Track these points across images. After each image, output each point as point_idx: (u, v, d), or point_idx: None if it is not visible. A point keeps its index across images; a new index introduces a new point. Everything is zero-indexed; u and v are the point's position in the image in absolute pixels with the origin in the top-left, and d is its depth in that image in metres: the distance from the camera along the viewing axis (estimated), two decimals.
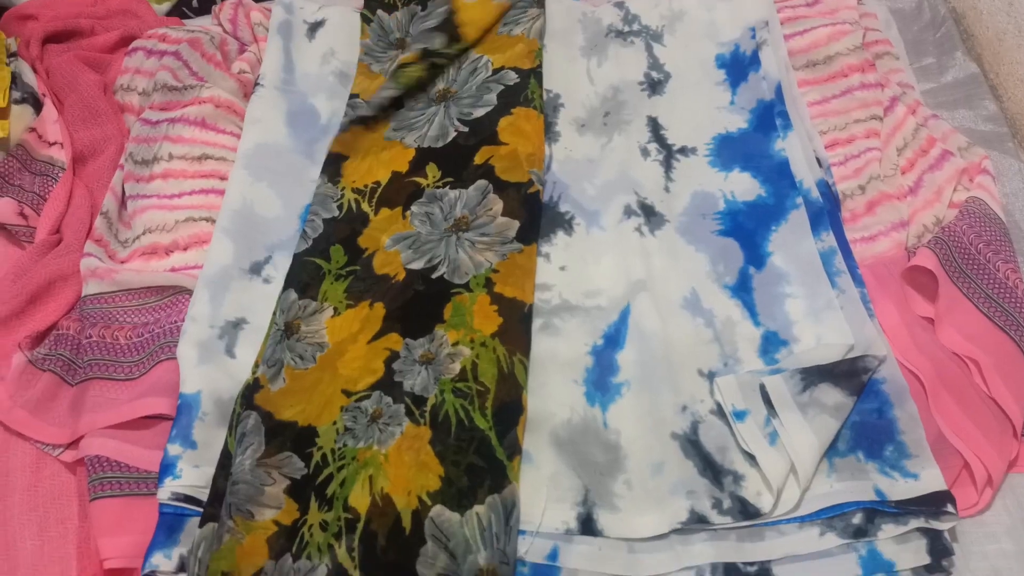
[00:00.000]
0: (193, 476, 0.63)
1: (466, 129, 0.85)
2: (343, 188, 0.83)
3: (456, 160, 0.83)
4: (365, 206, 0.81)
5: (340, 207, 0.81)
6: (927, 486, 0.64)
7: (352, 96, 0.89)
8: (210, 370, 0.68)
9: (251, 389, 0.68)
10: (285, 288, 0.75)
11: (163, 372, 0.69)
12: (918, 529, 0.63)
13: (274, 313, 0.74)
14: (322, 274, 0.76)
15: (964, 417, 0.68)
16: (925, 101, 0.92)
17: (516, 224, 0.77)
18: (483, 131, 0.84)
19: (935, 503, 0.63)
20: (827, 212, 0.80)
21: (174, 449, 0.64)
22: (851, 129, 0.88)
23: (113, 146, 0.85)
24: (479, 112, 0.86)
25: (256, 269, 0.77)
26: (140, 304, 0.74)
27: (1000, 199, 0.81)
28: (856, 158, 0.85)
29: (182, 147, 0.84)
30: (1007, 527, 0.66)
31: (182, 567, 0.60)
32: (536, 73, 0.88)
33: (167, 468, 0.63)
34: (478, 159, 0.82)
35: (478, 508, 0.61)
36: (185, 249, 0.78)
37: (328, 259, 0.77)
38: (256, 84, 0.90)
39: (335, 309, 0.74)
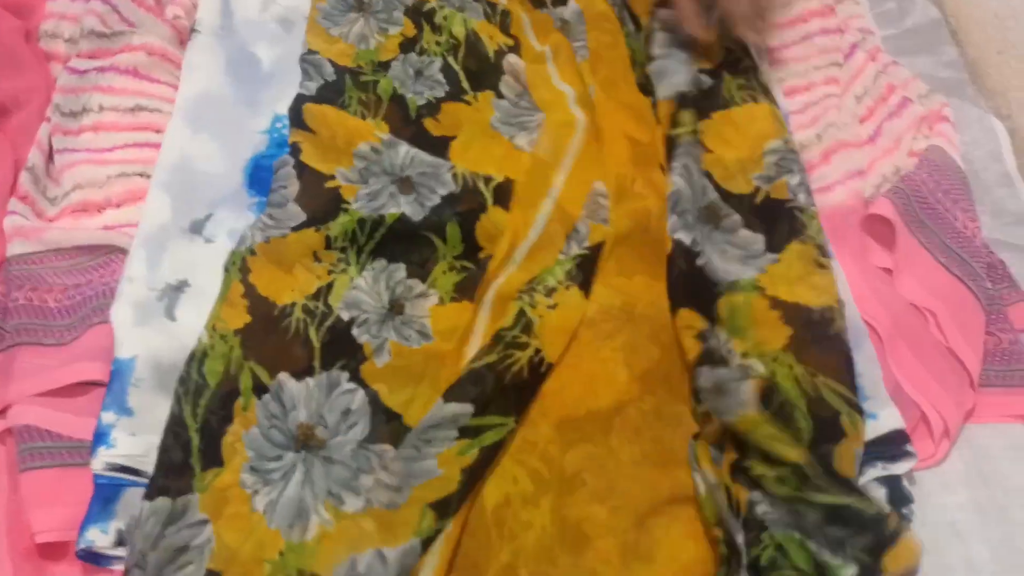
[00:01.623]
0: (129, 445, 0.60)
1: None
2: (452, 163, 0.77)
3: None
4: (483, 188, 0.76)
5: (454, 178, 0.76)
6: (885, 425, 0.63)
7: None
8: (148, 333, 0.65)
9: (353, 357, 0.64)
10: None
11: (97, 336, 0.65)
12: (875, 480, 0.62)
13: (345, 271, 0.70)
14: (436, 255, 0.72)
15: (921, 368, 0.68)
16: (885, 47, 0.90)
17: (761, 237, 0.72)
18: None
19: (894, 443, 0.63)
20: None
21: (108, 417, 0.61)
22: (810, 76, 0.86)
23: (38, 97, 0.79)
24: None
25: (196, 228, 0.73)
26: (71, 265, 0.70)
27: (960, 147, 0.80)
28: (815, 105, 0.84)
29: (113, 98, 0.79)
30: (964, 478, 0.65)
31: (120, 541, 0.57)
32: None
33: (100, 437, 0.60)
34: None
35: None
36: (119, 206, 0.74)
37: (444, 238, 0.72)
38: (192, 31, 0.85)
39: (440, 299, 0.70)
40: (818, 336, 0.66)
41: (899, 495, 0.62)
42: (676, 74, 0.83)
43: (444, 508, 0.58)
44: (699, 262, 0.70)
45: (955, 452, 0.67)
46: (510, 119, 0.83)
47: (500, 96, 0.85)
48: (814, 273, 0.70)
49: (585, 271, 0.70)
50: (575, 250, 0.72)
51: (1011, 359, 0.71)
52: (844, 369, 0.65)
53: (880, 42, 0.91)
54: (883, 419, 0.64)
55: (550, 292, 0.68)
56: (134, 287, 0.67)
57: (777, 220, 0.74)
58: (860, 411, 0.63)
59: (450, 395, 0.61)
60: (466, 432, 0.60)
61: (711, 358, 0.65)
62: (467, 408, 0.61)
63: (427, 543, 0.56)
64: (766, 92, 0.83)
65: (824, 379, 0.64)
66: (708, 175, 0.76)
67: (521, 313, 0.66)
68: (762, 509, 0.58)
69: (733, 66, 0.85)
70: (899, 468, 0.63)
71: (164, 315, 0.67)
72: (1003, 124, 0.85)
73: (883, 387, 0.66)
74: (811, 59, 0.87)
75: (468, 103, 0.84)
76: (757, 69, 0.85)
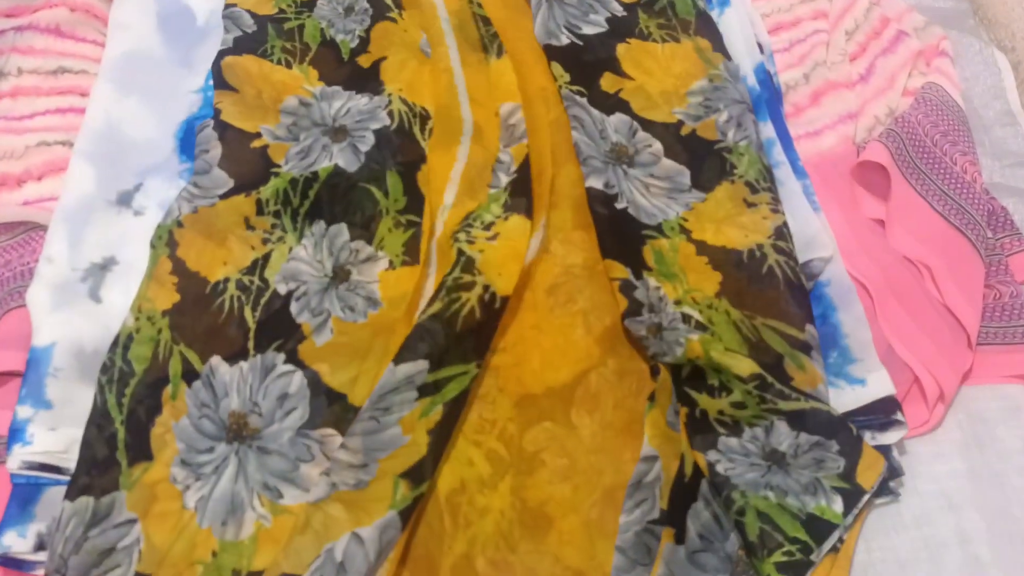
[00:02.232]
0: (48, 441, 0.55)
1: (580, 43, 0.76)
2: (388, 93, 0.73)
3: (582, 71, 0.75)
4: (416, 130, 0.72)
5: (391, 115, 0.72)
6: (874, 391, 0.59)
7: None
8: (69, 317, 0.60)
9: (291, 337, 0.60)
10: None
11: (13, 322, 0.61)
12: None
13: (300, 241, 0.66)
14: (379, 210, 0.67)
15: (914, 327, 0.64)
16: None
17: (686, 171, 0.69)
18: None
19: (883, 411, 0.59)
20: (766, 102, 0.73)
21: (24, 411, 0.56)
22: (796, 11, 0.81)
23: None
24: (588, 29, 0.77)
25: (125, 200, 0.68)
26: None
27: (959, 84, 0.75)
28: (801, 43, 0.79)
29: (33, 59, 0.73)
30: (959, 445, 0.61)
31: (40, 546, 0.53)
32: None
33: (16, 433, 0.55)
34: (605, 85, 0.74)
35: None
36: (40, 179, 0.69)
37: (385, 191, 0.68)
38: None
39: (390, 262, 0.65)
40: (751, 277, 0.63)
41: (888, 468, 0.58)
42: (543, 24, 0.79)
43: (417, 475, 0.54)
44: (619, 205, 0.67)
45: (950, 416, 0.62)
46: None
47: None
48: (743, 212, 0.67)
49: (520, 194, 0.66)
50: (504, 180, 0.68)
51: (1011, 314, 0.66)
52: (783, 302, 0.62)
53: None
54: (872, 384, 0.60)
55: (488, 226, 0.64)
56: (53, 267, 0.62)
57: (704, 159, 0.70)
58: (806, 349, 0.60)
59: (400, 357, 0.57)
60: (425, 390, 0.56)
61: (637, 310, 0.61)
62: (421, 365, 0.56)
63: (406, 514, 0.53)
64: (686, 27, 0.79)
65: (763, 320, 0.61)
66: (625, 105, 0.73)
67: (459, 253, 0.62)
68: (723, 467, 0.55)
69: (649, 6, 0.80)
70: (889, 438, 0.59)
71: (88, 297, 0.62)
72: (1006, 57, 0.80)
73: (873, 350, 0.62)
74: None
75: (394, 20, 0.79)
76: (675, 6, 0.80)
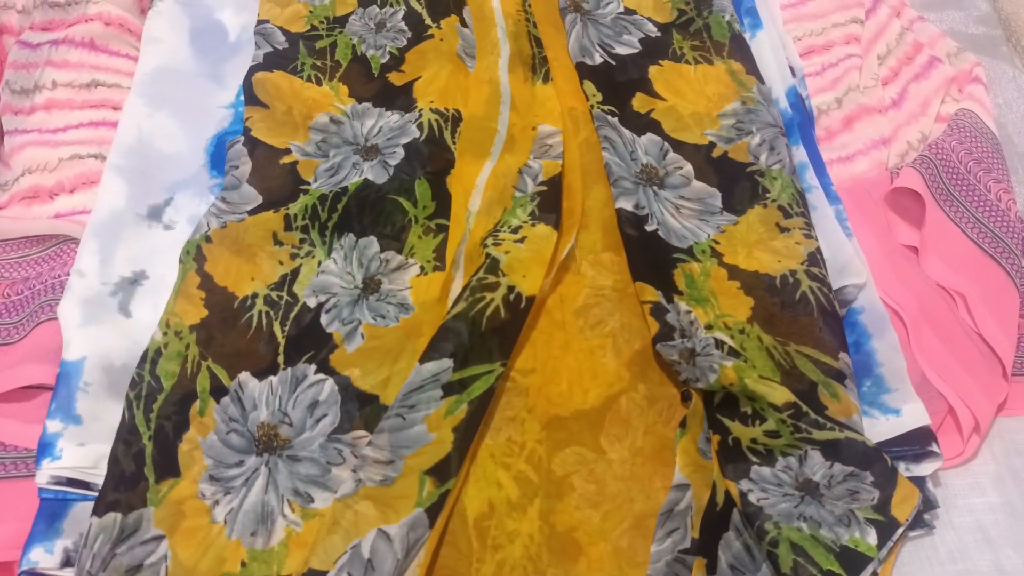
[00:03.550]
0: (77, 456, 0.55)
1: (613, 63, 0.76)
2: (419, 109, 0.73)
3: (614, 91, 0.74)
4: (447, 134, 0.72)
5: (420, 127, 0.72)
6: (909, 422, 0.59)
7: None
8: (99, 331, 0.60)
9: (322, 348, 0.61)
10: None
11: (44, 335, 0.60)
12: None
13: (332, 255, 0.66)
14: (408, 220, 0.67)
15: (949, 356, 0.63)
16: (911, 1, 0.84)
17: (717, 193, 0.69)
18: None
19: (917, 442, 0.58)
20: (798, 125, 0.73)
21: (53, 426, 0.56)
22: (829, 34, 0.80)
23: None
24: (622, 50, 0.77)
25: (155, 214, 0.68)
26: (19, 257, 0.65)
27: (992, 110, 0.75)
28: (834, 67, 0.78)
29: (68, 73, 0.74)
30: (994, 477, 0.60)
31: (67, 562, 0.53)
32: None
33: (45, 448, 0.55)
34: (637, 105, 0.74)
35: None
36: (72, 192, 0.69)
37: (414, 200, 0.68)
38: None
39: (422, 268, 0.65)
40: (784, 302, 0.62)
41: (923, 500, 0.57)
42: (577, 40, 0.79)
43: (443, 472, 0.54)
44: (649, 227, 0.66)
45: (985, 448, 0.62)
46: (472, 49, 0.79)
47: (464, 24, 0.81)
48: (776, 237, 0.66)
49: (548, 207, 0.66)
50: (531, 187, 0.68)
51: None
52: (817, 329, 0.61)
53: None
54: (907, 415, 0.59)
55: (516, 230, 0.64)
56: (84, 281, 0.62)
57: (736, 182, 0.70)
58: (840, 377, 0.59)
59: (426, 356, 0.57)
60: (451, 389, 0.56)
61: (669, 334, 0.61)
62: (446, 364, 0.56)
63: (433, 512, 0.53)
64: (720, 49, 0.78)
65: (796, 347, 0.60)
66: (656, 126, 0.73)
67: (486, 256, 0.62)
68: (756, 496, 0.54)
69: (684, 27, 0.80)
70: (924, 469, 0.58)
71: (118, 311, 0.62)
72: None
73: (907, 379, 0.61)
74: (830, 15, 0.81)
75: (432, 37, 0.79)
76: (710, 28, 0.80)
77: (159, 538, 0.54)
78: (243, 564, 0.53)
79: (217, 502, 0.55)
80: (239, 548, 0.54)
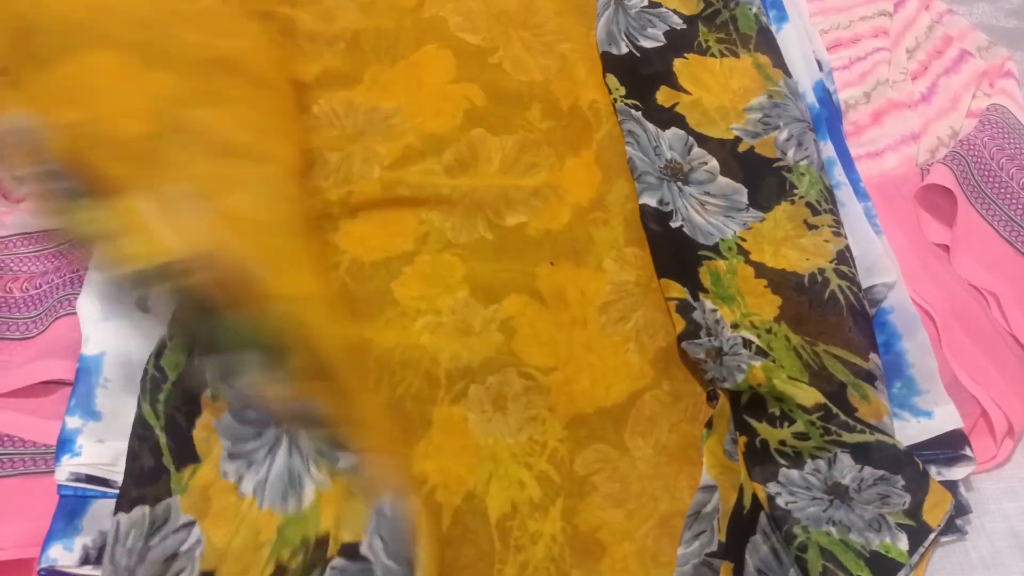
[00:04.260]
0: (96, 452, 0.55)
1: (637, 55, 0.75)
2: None
3: (638, 84, 0.73)
4: None
5: None
6: (941, 424, 0.58)
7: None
8: (118, 327, 0.59)
9: None
10: None
11: (63, 329, 0.60)
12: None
13: None
14: None
15: (981, 357, 0.62)
16: None
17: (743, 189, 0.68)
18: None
19: (950, 445, 0.57)
20: (826, 120, 0.72)
21: (73, 422, 0.55)
22: (856, 28, 0.79)
23: None
24: (646, 43, 0.76)
25: None
26: (38, 250, 0.65)
27: None
28: (862, 60, 0.76)
29: None
30: None
31: (86, 559, 0.52)
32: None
33: (65, 444, 0.55)
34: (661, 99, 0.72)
35: None
36: None
37: None
38: None
39: None
40: (812, 301, 0.61)
41: (956, 505, 0.56)
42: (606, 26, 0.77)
43: None
44: (674, 223, 0.65)
45: (1019, 452, 0.60)
46: None
47: None
48: (803, 234, 0.65)
49: None
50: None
51: None
52: (846, 329, 0.60)
53: None
54: (939, 417, 0.58)
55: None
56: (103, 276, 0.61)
57: (762, 177, 0.68)
58: (870, 379, 0.58)
59: None
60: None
61: (695, 332, 0.60)
62: None
63: None
64: (746, 42, 0.77)
65: (825, 347, 0.59)
66: (680, 120, 0.71)
67: None
68: (784, 500, 0.53)
69: (710, 20, 0.78)
70: (956, 473, 0.57)
71: (136, 306, 0.61)
72: None
73: (939, 381, 0.59)
74: (857, 7, 0.80)
75: None
76: (737, 20, 0.78)
77: (190, 524, 0.53)
78: (279, 529, 0.53)
79: (241, 477, 0.55)
80: (272, 516, 0.53)
